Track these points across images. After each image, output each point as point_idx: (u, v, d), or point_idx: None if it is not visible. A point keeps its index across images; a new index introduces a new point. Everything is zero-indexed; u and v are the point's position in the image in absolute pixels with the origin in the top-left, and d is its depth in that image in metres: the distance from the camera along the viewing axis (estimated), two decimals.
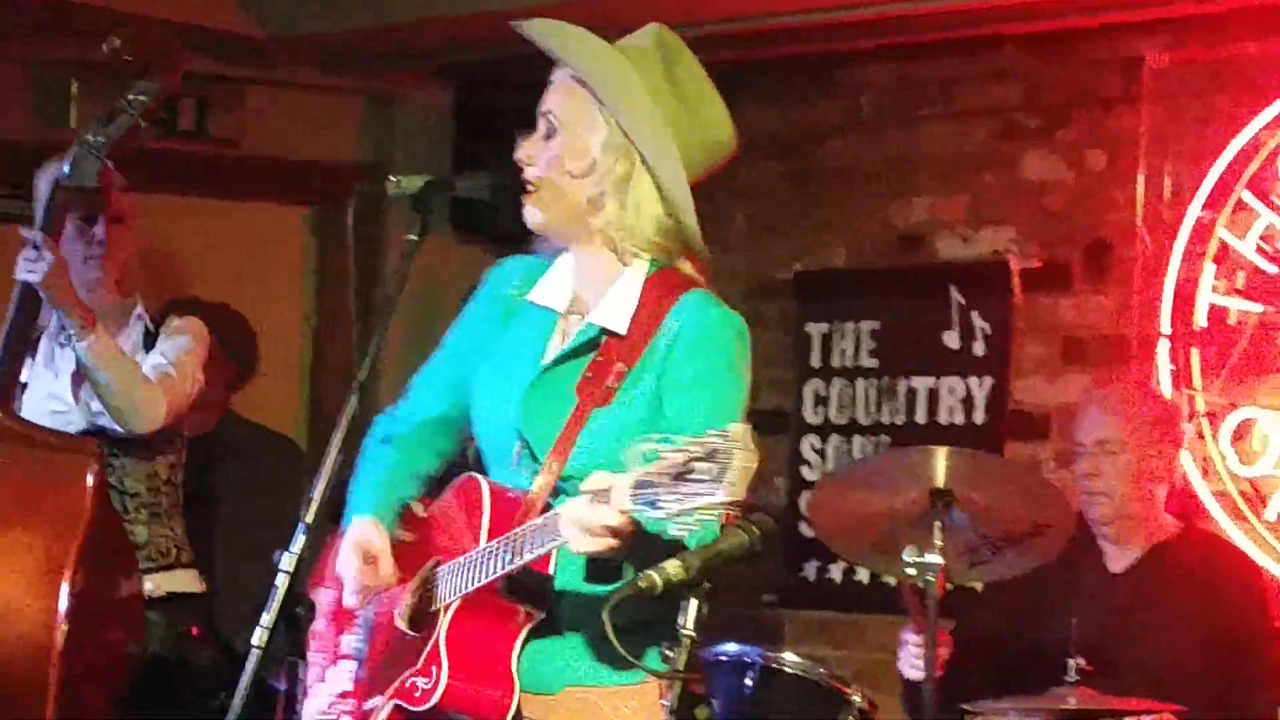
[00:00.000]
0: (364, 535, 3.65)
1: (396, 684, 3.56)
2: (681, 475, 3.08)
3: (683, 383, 3.50)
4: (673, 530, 3.11)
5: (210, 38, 7.02)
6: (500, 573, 3.41)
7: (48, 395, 5.28)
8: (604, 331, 3.56)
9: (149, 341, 5.40)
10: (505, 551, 3.41)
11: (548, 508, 3.44)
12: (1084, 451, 5.31)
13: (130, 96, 5.14)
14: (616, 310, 3.56)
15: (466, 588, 3.48)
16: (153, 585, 5.35)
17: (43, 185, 5.30)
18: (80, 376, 5.28)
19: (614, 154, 3.56)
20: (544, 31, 3.64)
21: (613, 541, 3.23)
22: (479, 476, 3.58)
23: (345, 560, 3.65)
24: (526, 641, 3.49)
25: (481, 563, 3.46)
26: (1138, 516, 5.28)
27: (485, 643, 3.49)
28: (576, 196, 3.58)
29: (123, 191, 5.39)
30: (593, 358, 3.55)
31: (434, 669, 3.48)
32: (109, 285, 5.38)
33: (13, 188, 7.02)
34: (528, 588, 3.45)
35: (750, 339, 3.59)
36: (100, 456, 5.03)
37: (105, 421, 5.26)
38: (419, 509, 3.76)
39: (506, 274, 3.75)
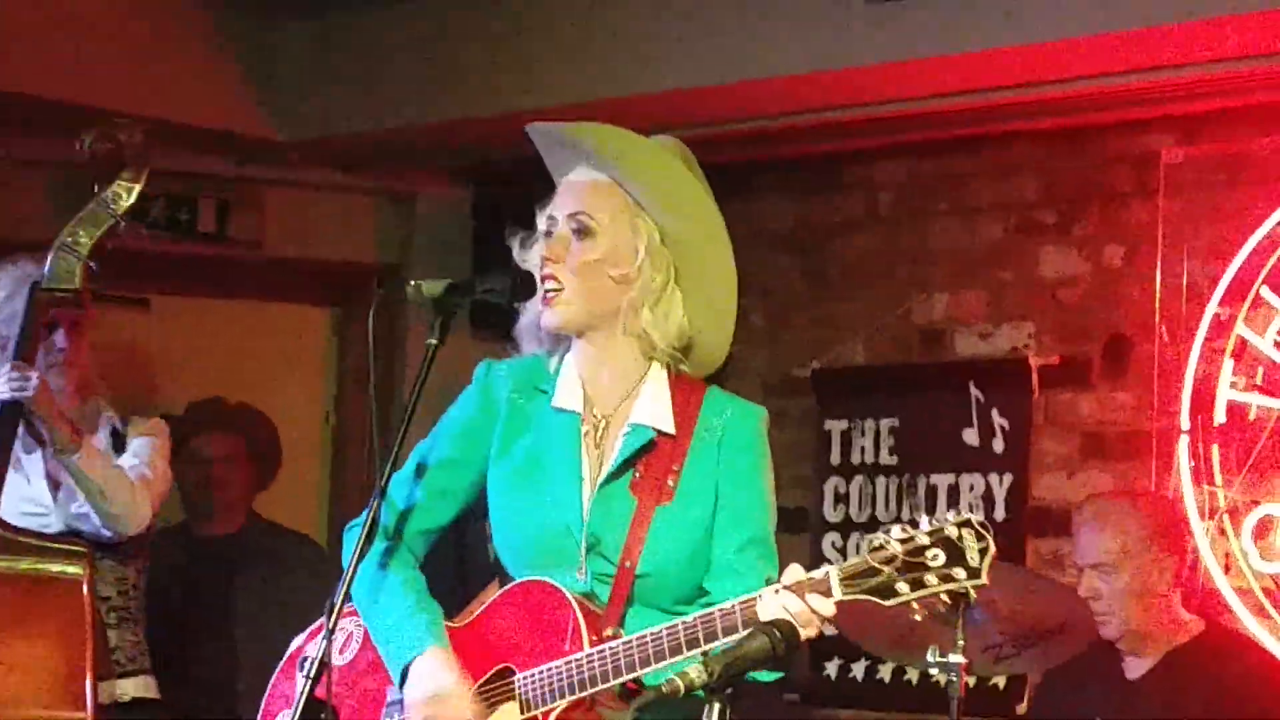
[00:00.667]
0: (447, 679, 3.58)
1: None
2: (912, 564, 3.25)
3: (740, 477, 3.64)
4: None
5: (230, 140, 7.07)
6: (645, 670, 3.43)
7: (20, 498, 5.24)
8: (657, 433, 3.62)
9: (117, 443, 5.39)
10: (658, 646, 3.41)
11: (622, 613, 3.53)
12: (1082, 574, 5.29)
13: (109, 194, 5.13)
14: (658, 412, 3.64)
15: (583, 690, 3.47)
16: (121, 690, 5.33)
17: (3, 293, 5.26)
18: (54, 480, 5.27)
19: (656, 261, 3.61)
20: (580, 132, 3.68)
21: (817, 631, 3.33)
22: (554, 583, 3.57)
23: (450, 696, 3.56)
24: None
25: (605, 664, 3.45)
26: (1146, 629, 5.23)
27: None
28: (613, 300, 3.63)
29: (96, 293, 5.31)
30: (643, 458, 3.61)
31: None
32: (70, 391, 5.34)
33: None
34: (630, 691, 3.48)
35: (768, 436, 3.74)
36: (92, 561, 5.01)
37: (82, 524, 5.25)
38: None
39: (500, 378, 3.77)
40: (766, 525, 3.64)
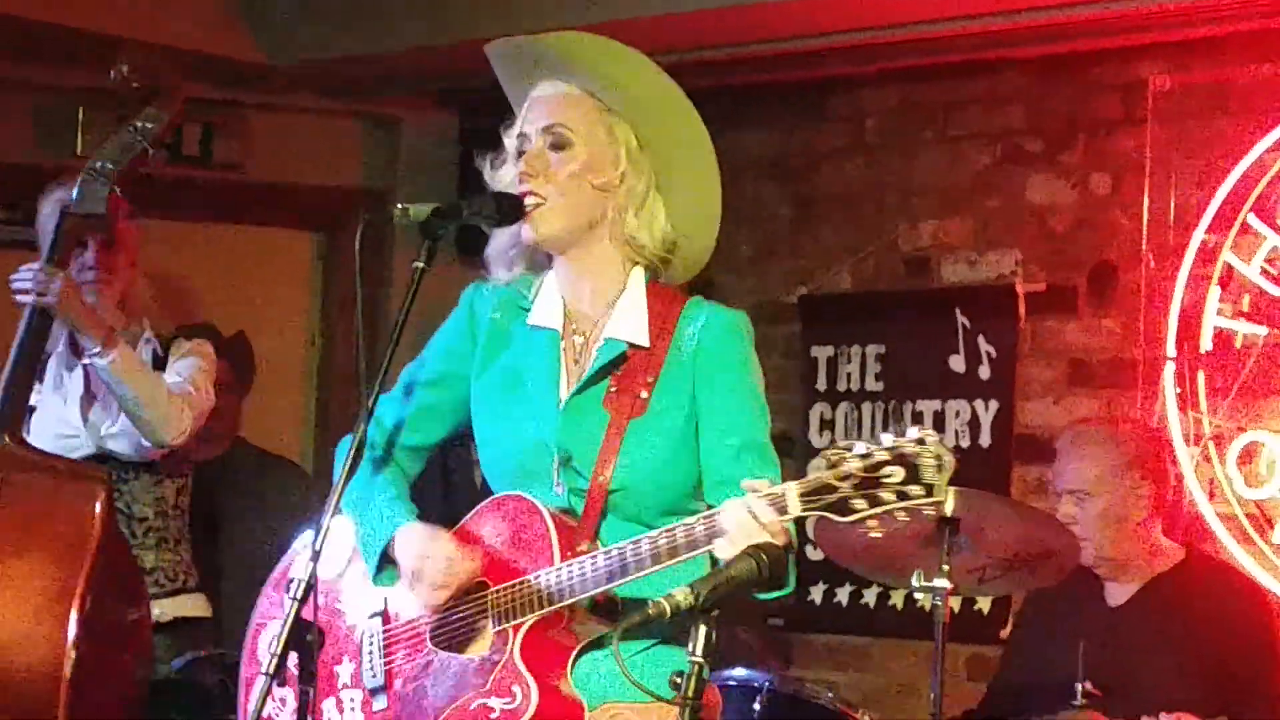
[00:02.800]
0: (429, 532, 3.60)
1: (453, 708, 3.54)
2: (869, 480, 3.22)
3: (722, 384, 3.59)
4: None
5: (215, 64, 7.04)
6: (615, 584, 3.43)
7: (56, 419, 5.29)
8: (630, 346, 3.61)
9: (158, 366, 5.40)
10: (623, 561, 3.42)
11: (596, 526, 3.52)
12: (1060, 498, 5.30)
13: (138, 123, 5.14)
14: (632, 324, 3.62)
15: (551, 604, 3.48)
16: (160, 610, 5.36)
17: (45, 211, 5.30)
18: (89, 400, 5.30)
19: (637, 167, 3.60)
20: (565, 43, 3.65)
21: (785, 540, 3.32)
22: (529, 497, 3.57)
23: (431, 555, 3.57)
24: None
25: (573, 579, 3.46)
26: (1124, 556, 5.25)
27: (550, 661, 3.51)
28: (597, 209, 3.62)
29: (128, 218, 5.38)
30: (616, 371, 3.60)
31: (516, 690, 3.48)
32: (109, 310, 5.36)
33: (13, 212, 7.05)
34: (602, 605, 3.49)
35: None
36: (109, 483, 5.03)
37: (114, 445, 5.28)
38: None
39: (484, 299, 3.76)
40: (758, 428, 3.59)
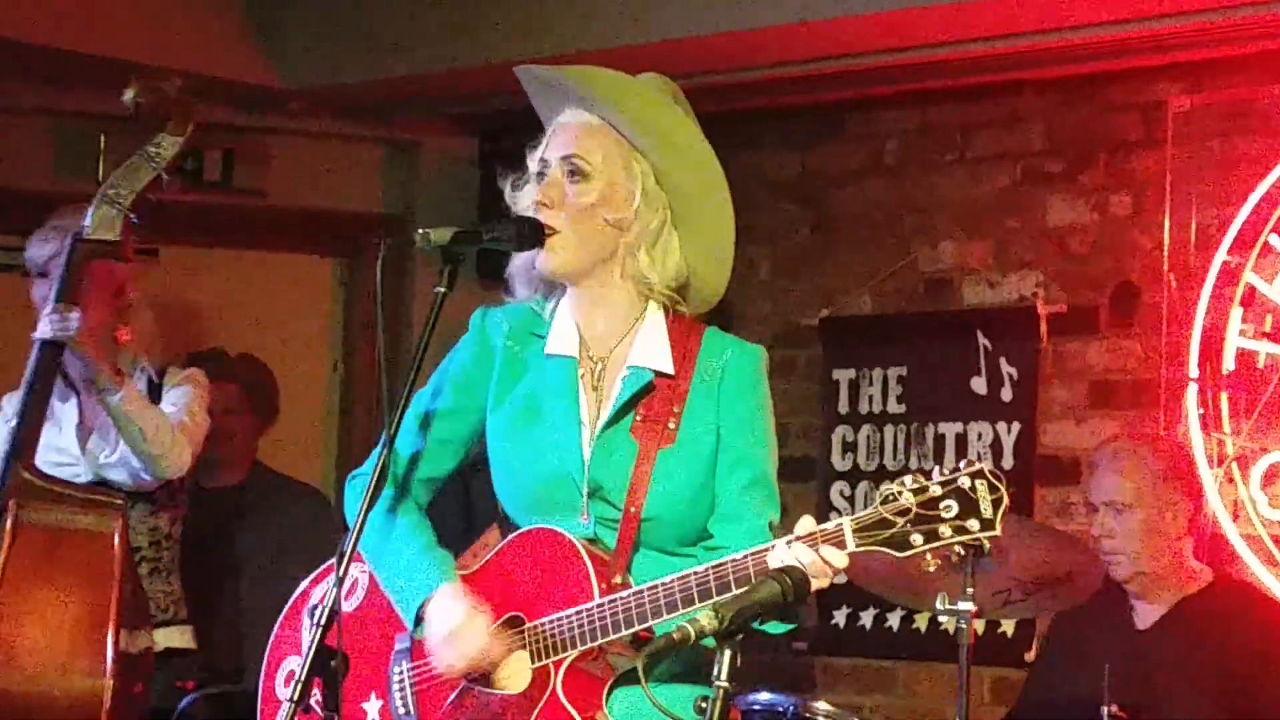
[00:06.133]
0: (467, 609, 3.56)
1: None
2: (925, 515, 3.25)
3: (740, 419, 3.61)
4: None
5: (235, 90, 7.05)
6: (663, 619, 3.42)
7: (52, 449, 5.26)
8: (656, 374, 3.61)
9: (153, 394, 5.41)
10: (671, 597, 3.41)
11: (630, 558, 3.54)
12: (1095, 512, 5.29)
13: (150, 148, 5.14)
14: (656, 353, 3.62)
15: (594, 640, 3.47)
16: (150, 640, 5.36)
17: (47, 251, 5.29)
18: (85, 430, 5.31)
19: (652, 204, 3.59)
20: (577, 78, 3.65)
21: (828, 583, 3.34)
22: (561, 530, 3.56)
23: (463, 636, 3.54)
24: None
25: (619, 614, 3.45)
26: (1158, 573, 5.24)
27: (588, 694, 3.51)
28: (609, 244, 3.61)
29: (140, 245, 5.37)
30: (643, 401, 3.60)
31: None
32: (108, 339, 5.34)
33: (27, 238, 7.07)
34: (641, 640, 3.48)
35: (775, 386, 3.73)
36: (125, 509, 5.04)
37: (111, 474, 5.28)
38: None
39: (495, 325, 3.75)
40: (767, 466, 3.61)
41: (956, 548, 3.28)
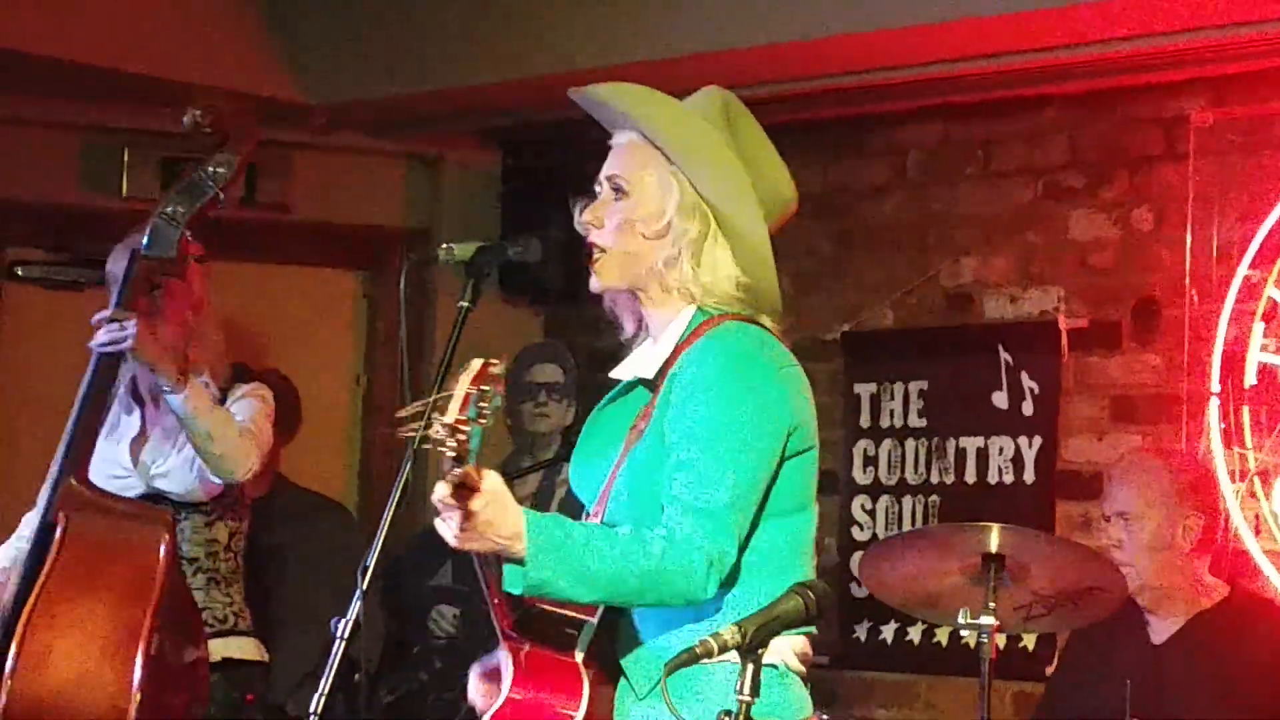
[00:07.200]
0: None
1: None
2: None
3: (681, 424, 3.52)
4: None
5: (258, 104, 7.07)
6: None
7: (109, 461, 5.31)
8: (640, 381, 3.64)
9: None
10: None
11: None
12: (1109, 521, 5.29)
13: (209, 168, 5.17)
14: (649, 359, 3.64)
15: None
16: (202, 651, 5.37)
17: (114, 259, 5.32)
18: (140, 441, 5.34)
19: (689, 215, 3.61)
20: (609, 94, 3.68)
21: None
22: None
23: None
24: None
25: None
26: (1169, 587, 5.22)
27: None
28: (650, 258, 3.62)
29: (199, 262, 5.41)
30: (640, 407, 3.63)
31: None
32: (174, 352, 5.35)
33: (59, 253, 7.09)
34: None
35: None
36: (172, 523, 5.07)
37: (163, 485, 5.33)
38: None
39: None
40: (700, 484, 3.47)
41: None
